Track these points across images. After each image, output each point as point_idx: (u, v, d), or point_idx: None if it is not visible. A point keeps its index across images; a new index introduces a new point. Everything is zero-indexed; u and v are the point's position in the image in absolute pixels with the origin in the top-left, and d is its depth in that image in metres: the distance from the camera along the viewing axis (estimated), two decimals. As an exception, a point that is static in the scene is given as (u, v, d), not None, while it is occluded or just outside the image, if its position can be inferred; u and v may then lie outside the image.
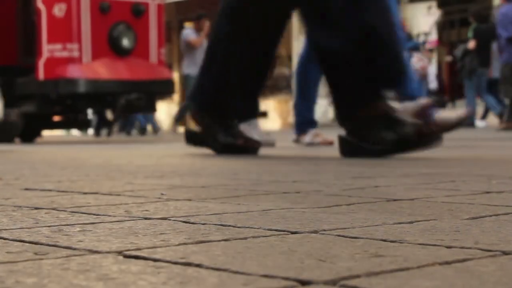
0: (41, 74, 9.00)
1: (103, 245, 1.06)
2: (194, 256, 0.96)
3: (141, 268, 0.88)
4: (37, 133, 10.36)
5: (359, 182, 2.12)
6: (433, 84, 15.39)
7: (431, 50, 15.02)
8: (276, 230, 1.19)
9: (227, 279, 0.82)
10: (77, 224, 1.29)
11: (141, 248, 1.02)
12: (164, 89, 9.62)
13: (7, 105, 9.31)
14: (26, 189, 2.02)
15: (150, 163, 3.38)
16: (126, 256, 0.96)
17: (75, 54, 8.92)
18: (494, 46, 11.23)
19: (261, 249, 1.01)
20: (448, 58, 13.42)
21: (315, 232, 1.17)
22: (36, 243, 1.08)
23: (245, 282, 0.80)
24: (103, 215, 1.42)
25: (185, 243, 1.06)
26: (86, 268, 0.89)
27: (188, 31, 13.30)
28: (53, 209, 1.53)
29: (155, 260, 0.93)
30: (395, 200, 1.64)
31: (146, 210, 1.49)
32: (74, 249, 1.03)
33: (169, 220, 1.33)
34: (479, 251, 0.98)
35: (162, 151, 5.27)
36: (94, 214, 1.43)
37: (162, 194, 1.83)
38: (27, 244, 1.08)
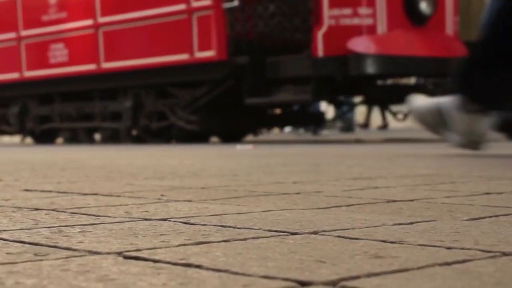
0: (320, 50, 6.62)
1: (103, 246, 1.06)
2: (194, 257, 0.96)
3: (141, 269, 0.88)
4: (249, 130, 8.17)
5: (358, 183, 2.12)
6: None
7: None
8: (276, 231, 1.19)
9: (228, 280, 0.82)
10: (77, 225, 1.29)
11: (141, 249, 1.02)
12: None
13: (252, 93, 6.98)
14: (26, 190, 2.02)
15: (150, 164, 3.38)
16: (126, 257, 0.96)
17: (369, 21, 6.75)
18: None
19: (261, 250, 1.01)
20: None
21: (315, 233, 1.17)
22: (36, 244, 1.08)
23: (245, 283, 0.80)
24: (103, 216, 1.42)
25: (185, 244, 1.06)
26: (86, 269, 0.89)
27: None
28: (53, 210, 1.53)
29: (155, 261, 0.93)
30: (394, 201, 1.64)
31: (146, 211, 1.49)
32: (74, 250, 1.03)
33: (169, 221, 1.33)
34: (479, 252, 0.98)
35: (161, 151, 5.27)
36: (94, 215, 1.43)
37: (162, 195, 1.83)
38: (27, 245, 1.08)
